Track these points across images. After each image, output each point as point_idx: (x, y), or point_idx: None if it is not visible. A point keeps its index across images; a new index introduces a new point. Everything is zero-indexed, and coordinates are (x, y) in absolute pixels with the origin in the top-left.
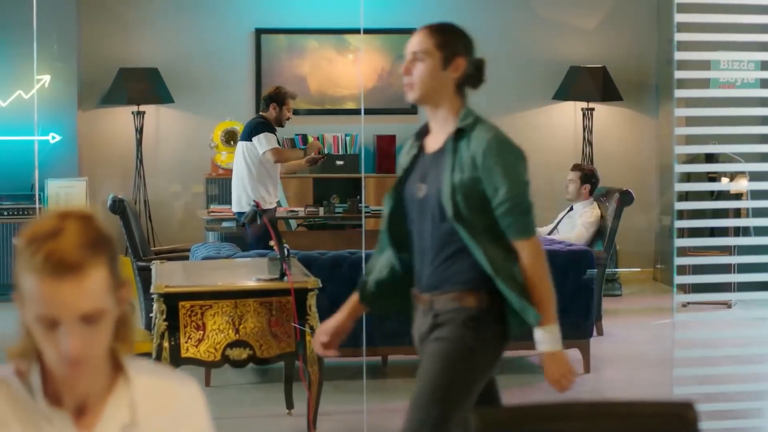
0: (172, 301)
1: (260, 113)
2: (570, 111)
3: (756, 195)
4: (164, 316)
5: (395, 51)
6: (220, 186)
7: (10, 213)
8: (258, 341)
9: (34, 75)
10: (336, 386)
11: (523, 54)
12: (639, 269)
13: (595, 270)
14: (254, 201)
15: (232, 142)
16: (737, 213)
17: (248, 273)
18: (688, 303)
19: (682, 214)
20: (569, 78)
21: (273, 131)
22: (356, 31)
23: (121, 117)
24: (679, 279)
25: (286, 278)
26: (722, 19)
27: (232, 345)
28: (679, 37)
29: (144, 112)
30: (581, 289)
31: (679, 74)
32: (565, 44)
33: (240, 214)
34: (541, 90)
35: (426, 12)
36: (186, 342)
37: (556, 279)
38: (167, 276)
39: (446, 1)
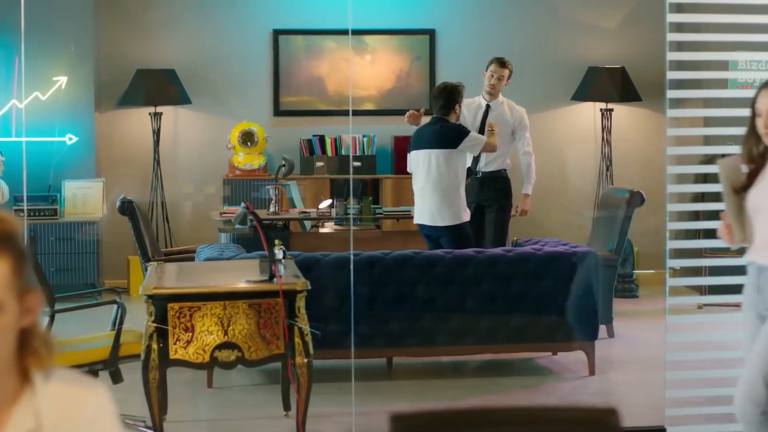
0: (160, 302)
1: (442, 116)
2: (589, 112)
3: None
4: (153, 318)
5: (414, 52)
6: (234, 187)
7: (28, 214)
8: (247, 343)
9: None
10: (339, 388)
11: (542, 54)
12: (653, 271)
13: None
14: (244, 203)
15: (249, 143)
16: None
17: (240, 274)
18: (704, 305)
19: (697, 215)
20: (588, 79)
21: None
22: (374, 32)
23: (139, 118)
24: (671, 282)
25: (275, 280)
26: (714, 19)
27: (220, 347)
28: (687, 37)
29: (161, 114)
30: (586, 290)
31: (671, 75)
32: (585, 45)
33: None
34: (561, 91)
35: (446, 13)
36: (174, 344)
37: (561, 281)
38: (160, 277)
39: (467, 3)
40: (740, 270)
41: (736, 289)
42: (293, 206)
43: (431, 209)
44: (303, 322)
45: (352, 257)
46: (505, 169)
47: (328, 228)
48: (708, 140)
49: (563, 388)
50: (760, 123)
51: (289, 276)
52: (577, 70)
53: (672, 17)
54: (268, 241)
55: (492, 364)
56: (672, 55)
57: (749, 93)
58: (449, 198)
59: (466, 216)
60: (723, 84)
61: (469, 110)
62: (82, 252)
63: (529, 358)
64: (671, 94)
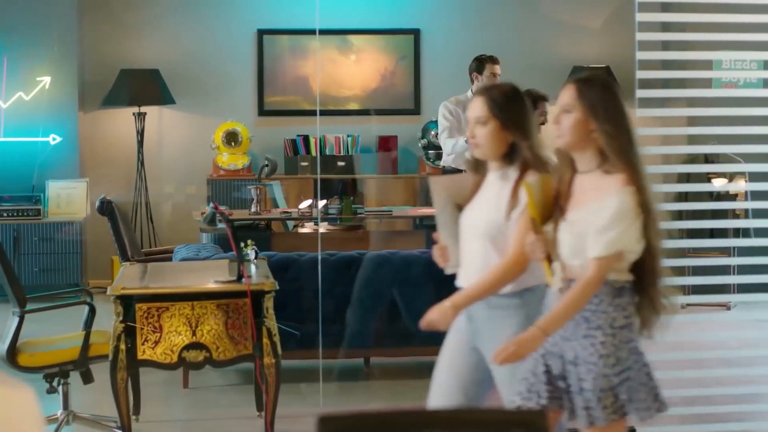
0: (129, 303)
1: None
2: None
3: (755, 196)
4: (121, 318)
5: (399, 51)
6: (217, 187)
7: (11, 214)
8: (215, 343)
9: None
10: (315, 388)
11: (527, 54)
12: None
13: None
14: (213, 203)
15: (233, 143)
16: (735, 214)
17: (212, 275)
18: (687, 305)
19: (681, 215)
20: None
21: None
22: (359, 32)
23: (123, 118)
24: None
25: (244, 280)
26: (682, 18)
27: (188, 347)
28: (669, 36)
29: (145, 113)
30: None
31: (641, 74)
32: (569, 44)
33: None
34: (546, 89)
35: (431, 13)
36: (143, 344)
37: None
38: (130, 278)
39: (452, 3)
40: (723, 270)
41: (722, 289)
42: (276, 206)
43: None
44: (271, 323)
45: (320, 257)
46: None
47: (308, 228)
48: (692, 140)
49: None
50: (467, 132)
51: (260, 276)
52: (562, 70)
53: (641, 17)
54: (239, 241)
55: None
56: (641, 55)
57: (731, 93)
58: None
59: None
60: (708, 83)
61: (453, 109)
62: (66, 252)
63: None
64: (640, 93)
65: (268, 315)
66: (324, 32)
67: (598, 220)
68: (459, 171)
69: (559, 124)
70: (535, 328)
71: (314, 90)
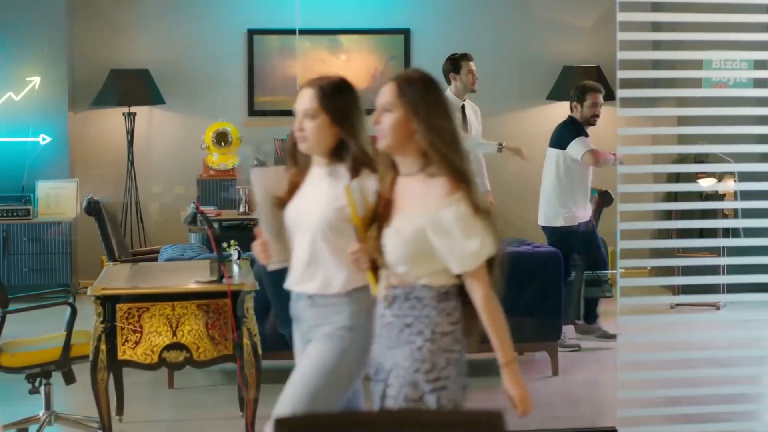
0: (109, 303)
1: (570, 114)
2: (566, 111)
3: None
4: (101, 319)
5: (389, 51)
6: (206, 187)
7: (1, 214)
8: (195, 344)
9: None
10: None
11: (517, 54)
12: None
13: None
14: (193, 203)
15: (223, 143)
16: (724, 214)
17: (194, 275)
18: (677, 304)
19: (670, 215)
20: (563, 78)
21: (584, 132)
22: (349, 32)
23: (113, 118)
24: (622, 282)
25: (224, 280)
26: (663, 18)
27: (169, 348)
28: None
29: (135, 114)
30: (549, 291)
31: (621, 74)
32: (560, 44)
33: (545, 228)
34: (536, 90)
35: (421, 13)
36: (123, 344)
37: (525, 281)
38: (112, 278)
39: (442, 2)
40: (713, 270)
41: (711, 289)
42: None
43: None
44: (251, 323)
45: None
46: None
47: None
48: (682, 140)
49: None
50: (295, 124)
51: (242, 277)
52: (552, 70)
53: (622, 16)
54: (219, 242)
55: None
56: (622, 54)
57: (720, 92)
58: (542, 198)
59: (558, 221)
60: (698, 83)
61: None
62: (56, 252)
63: (492, 359)
64: (622, 93)
65: (248, 315)
66: (313, 32)
67: (445, 239)
68: None
69: (380, 124)
70: (503, 368)
71: None
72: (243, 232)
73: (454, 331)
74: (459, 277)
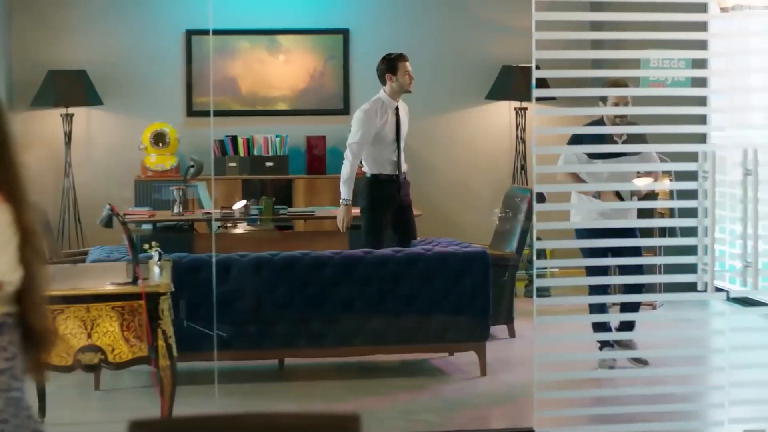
0: None
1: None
2: (504, 110)
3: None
4: None
5: (328, 51)
6: (144, 188)
7: None
8: (110, 345)
9: None
10: (220, 390)
11: (456, 54)
12: (558, 269)
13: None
14: (109, 204)
15: (160, 144)
16: (660, 214)
17: (112, 277)
18: (614, 304)
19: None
20: (502, 77)
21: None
22: (287, 32)
23: (51, 119)
24: (539, 282)
25: (139, 282)
26: (578, 17)
27: (83, 349)
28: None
29: (72, 115)
30: (476, 290)
31: (538, 73)
32: (498, 44)
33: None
34: (475, 90)
35: (360, 13)
36: None
37: (452, 281)
38: None
39: (381, 2)
40: (649, 269)
41: (648, 288)
42: (201, 207)
43: None
44: (166, 325)
45: (214, 259)
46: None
47: (240, 229)
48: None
49: (447, 390)
50: None
51: (161, 278)
52: (491, 70)
53: (538, 15)
54: (134, 243)
55: (387, 366)
56: (539, 54)
57: (658, 91)
58: None
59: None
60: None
61: (378, 114)
62: None
63: (424, 359)
64: (537, 93)
65: (163, 317)
66: (252, 32)
67: None
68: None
69: None
70: None
71: (242, 90)
72: (177, 233)
73: (11, 368)
74: (16, 303)
